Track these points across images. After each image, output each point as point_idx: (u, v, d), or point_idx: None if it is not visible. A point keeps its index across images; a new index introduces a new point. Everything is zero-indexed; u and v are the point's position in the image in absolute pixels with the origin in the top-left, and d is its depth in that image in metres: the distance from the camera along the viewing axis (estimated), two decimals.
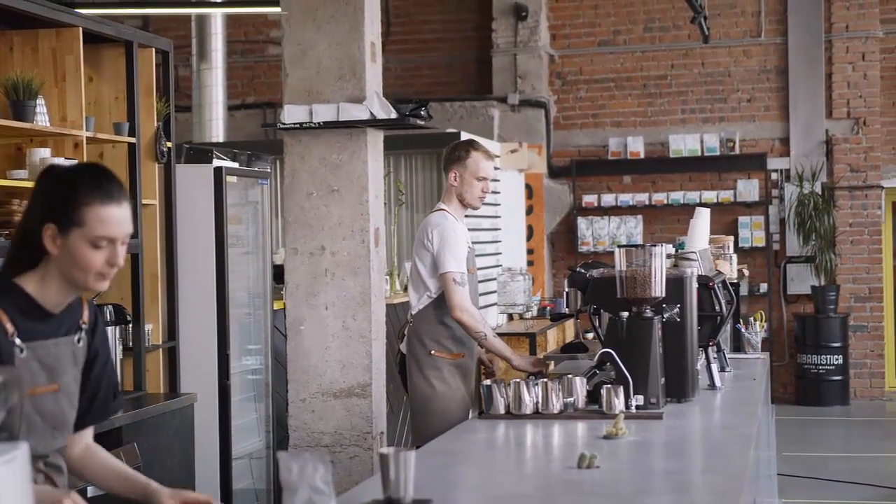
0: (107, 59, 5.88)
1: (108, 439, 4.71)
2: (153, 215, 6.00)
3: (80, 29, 5.45)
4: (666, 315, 4.32)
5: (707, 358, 4.87)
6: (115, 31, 5.76)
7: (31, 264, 2.66)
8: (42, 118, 5.26)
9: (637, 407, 4.07)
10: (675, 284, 4.37)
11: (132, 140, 5.77)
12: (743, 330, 6.26)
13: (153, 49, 6.09)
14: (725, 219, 12.17)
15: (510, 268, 10.24)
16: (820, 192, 12.01)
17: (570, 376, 4.14)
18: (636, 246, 4.29)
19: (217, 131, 10.89)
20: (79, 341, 2.76)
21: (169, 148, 6.09)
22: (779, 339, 12.27)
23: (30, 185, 5.20)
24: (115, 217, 2.62)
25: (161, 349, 6.03)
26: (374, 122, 5.14)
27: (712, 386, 4.79)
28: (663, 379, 4.21)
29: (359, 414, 5.21)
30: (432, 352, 5.16)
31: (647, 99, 12.68)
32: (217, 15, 10.96)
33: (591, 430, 3.81)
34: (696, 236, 5.57)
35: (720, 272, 5.54)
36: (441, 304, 5.17)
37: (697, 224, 5.63)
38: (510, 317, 10.04)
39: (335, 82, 5.18)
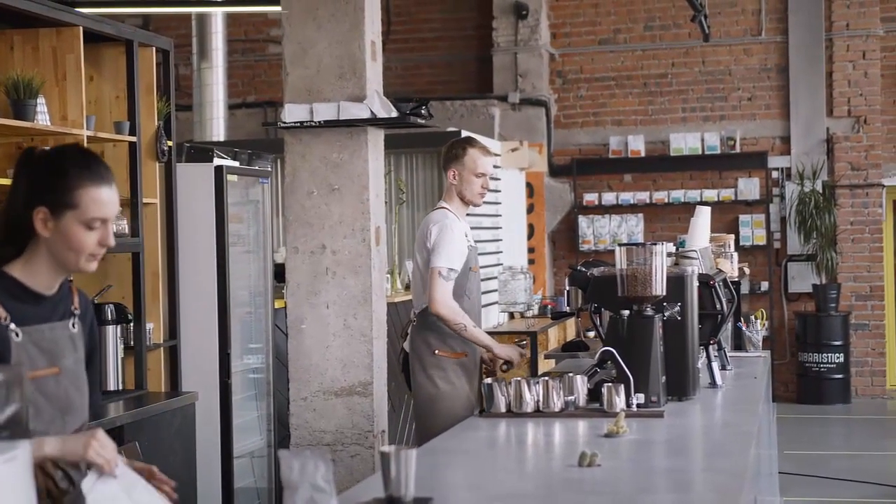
0: (107, 58, 5.88)
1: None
2: (154, 214, 6.00)
3: (81, 28, 5.46)
4: (667, 313, 4.32)
5: (708, 356, 4.87)
6: (115, 30, 5.76)
7: (16, 253, 2.68)
8: (43, 117, 5.26)
9: (638, 405, 4.07)
10: (676, 283, 4.37)
11: (133, 139, 5.77)
12: (744, 328, 6.26)
13: (154, 48, 6.09)
14: (726, 217, 12.16)
15: (511, 266, 10.24)
16: (821, 191, 12.00)
17: (570, 374, 4.14)
18: (637, 244, 4.29)
19: (218, 130, 10.90)
20: (74, 326, 2.77)
21: (170, 147, 6.09)
22: (780, 337, 12.27)
23: None
24: (106, 198, 2.67)
25: (162, 348, 6.03)
26: (374, 121, 5.14)
27: (713, 384, 4.79)
28: (664, 377, 4.21)
29: (360, 412, 5.21)
30: (436, 351, 5.17)
31: (647, 97, 12.68)
32: (217, 14, 10.97)
33: (592, 428, 3.81)
34: (696, 235, 5.57)
35: (721, 270, 5.54)
36: None
37: (698, 222, 5.63)
38: (511, 315, 10.04)
39: (336, 81, 5.18)
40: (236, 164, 6.73)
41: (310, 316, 5.22)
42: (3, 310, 2.60)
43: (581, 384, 4.12)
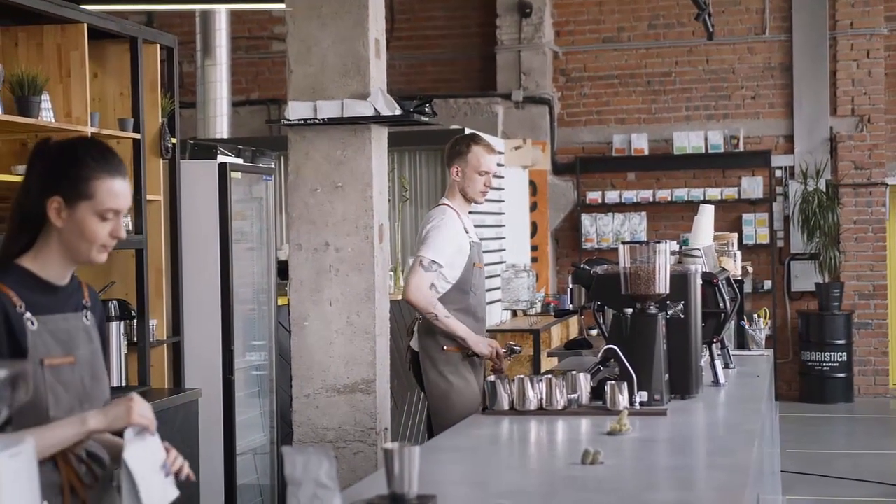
0: (111, 55, 5.88)
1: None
2: (158, 211, 6.00)
3: (85, 25, 5.46)
4: (670, 312, 4.32)
5: (711, 355, 4.87)
6: (119, 27, 5.76)
7: (26, 245, 2.69)
8: (47, 114, 5.27)
9: (641, 403, 4.07)
10: (680, 281, 4.37)
11: (137, 136, 5.78)
12: (747, 327, 6.26)
13: (158, 45, 6.10)
14: (729, 216, 12.16)
15: (514, 264, 10.23)
16: (824, 190, 12.00)
17: (574, 372, 4.15)
18: (640, 243, 4.29)
19: (221, 127, 10.90)
20: (87, 319, 2.78)
21: (174, 144, 6.10)
22: (783, 336, 12.26)
23: None
24: (120, 189, 2.69)
25: (165, 344, 6.04)
26: (378, 119, 5.14)
27: (716, 383, 4.80)
28: (667, 375, 4.21)
29: (363, 410, 5.21)
30: (444, 347, 5.19)
31: (651, 96, 12.68)
32: (221, 11, 10.97)
33: (595, 426, 3.81)
34: (700, 233, 5.58)
35: (724, 269, 5.54)
36: (448, 299, 5.18)
37: (702, 221, 5.63)
38: (514, 313, 10.04)
39: (340, 79, 5.18)
40: (240, 161, 6.73)
41: (313, 313, 5.22)
42: (18, 299, 2.62)
43: (584, 382, 4.12)
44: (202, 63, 11.00)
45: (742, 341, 6.34)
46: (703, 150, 12.36)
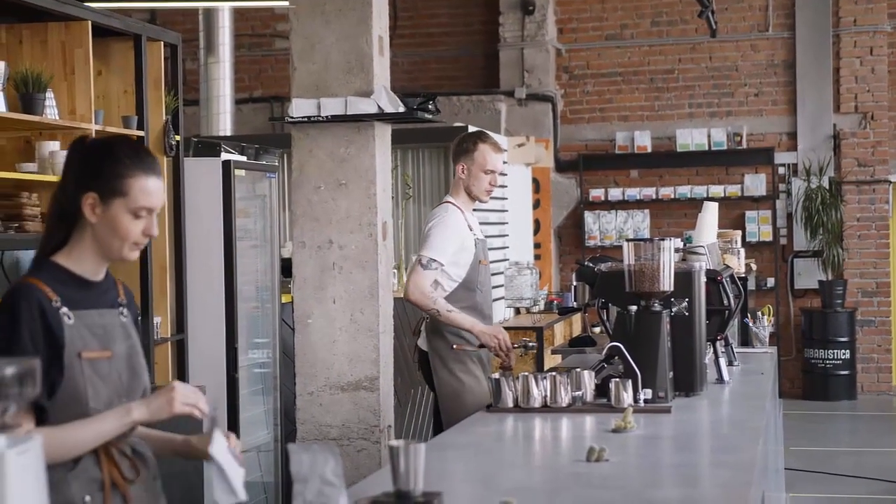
0: (115, 52, 5.89)
1: None
2: (162, 209, 6.00)
3: (89, 22, 5.47)
4: (674, 309, 4.31)
5: (715, 352, 4.86)
6: (123, 24, 5.77)
7: (61, 243, 2.73)
8: (51, 111, 5.27)
9: (645, 401, 4.07)
10: (684, 278, 4.37)
11: (141, 133, 5.78)
12: (751, 324, 6.26)
13: (161, 42, 6.10)
14: (732, 213, 12.16)
15: (517, 262, 10.23)
16: (827, 187, 11.99)
17: (578, 370, 4.14)
18: (645, 240, 4.28)
19: (224, 125, 10.89)
20: (123, 316, 2.81)
21: (177, 141, 6.10)
22: (786, 333, 12.25)
23: (39, 178, 5.23)
24: (154, 188, 2.74)
25: (169, 342, 6.04)
26: (382, 116, 5.13)
27: (720, 380, 4.79)
28: (672, 373, 4.21)
29: (366, 407, 5.21)
30: (454, 346, 5.18)
31: (654, 93, 12.67)
32: (224, 8, 10.96)
33: (600, 423, 3.81)
34: (704, 230, 5.57)
35: (728, 266, 5.54)
36: (455, 297, 5.17)
37: (706, 218, 5.63)
38: (517, 311, 10.04)
39: (343, 76, 5.17)
40: (243, 158, 6.74)
41: (316, 311, 5.22)
42: (53, 293, 2.64)
43: (588, 379, 4.12)
44: (205, 60, 11.00)
45: (746, 339, 6.34)
46: (707, 148, 12.35)
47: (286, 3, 5.41)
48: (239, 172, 6.40)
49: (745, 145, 12.33)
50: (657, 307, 4.22)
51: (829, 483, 8.28)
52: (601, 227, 12.53)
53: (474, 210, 5.44)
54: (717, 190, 12.21)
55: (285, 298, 6.79)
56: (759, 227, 12.26)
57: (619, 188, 12.55)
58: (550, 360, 8.24)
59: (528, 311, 10.05)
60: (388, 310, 5.32)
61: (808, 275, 12.21)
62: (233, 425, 6.31)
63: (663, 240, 4.25)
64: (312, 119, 5.15)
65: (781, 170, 12.37)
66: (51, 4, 5.22)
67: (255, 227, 6.81)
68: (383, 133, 5.30)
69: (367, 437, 5.20)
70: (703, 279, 4.54)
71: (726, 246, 6.44)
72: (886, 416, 11.40)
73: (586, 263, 4.79)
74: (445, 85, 12.82)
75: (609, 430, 3.67)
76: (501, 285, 9.87)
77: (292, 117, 5.18)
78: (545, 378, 4.08)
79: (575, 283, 5.18)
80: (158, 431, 2.90)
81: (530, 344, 5.36)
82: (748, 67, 12.48)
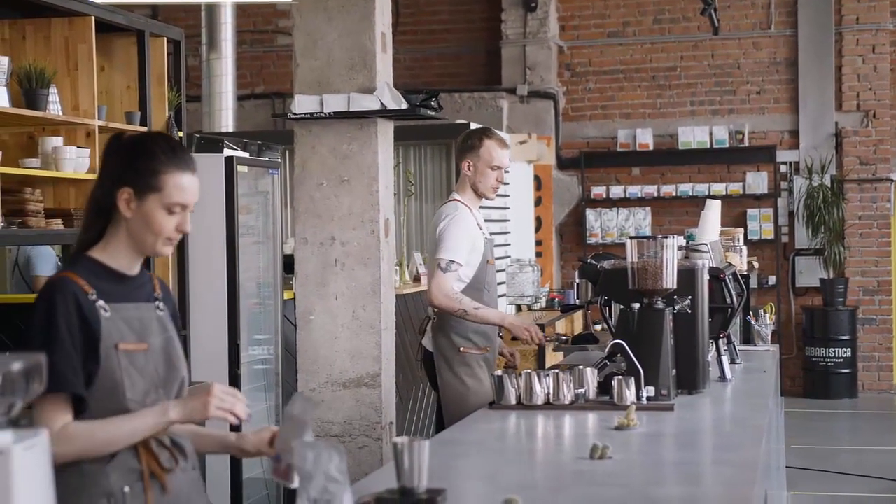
0: (119, 48, 5.88)
1: None
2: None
3: (93, 18, 5.46)
4: (677, 307, 4.32)
5: (717, 350, 4.87)
6: (127, 20, 5.76)
7: (96, 237, 2.77)
8: (54, 107, 5.27)
9: (648, 398, 4.07)
10: (687, 276, 4.37)
11: (144, 129, 5.78)
12: (753, 322, 6.26)
13: (165, 38, 6.09)
14: (734, 211, 12.15)
15: (519, 259, 10.24)
16: (829, 185, 11.99)
17: (581, 367, 4.14)
18: (648, 237, 4.28)
19: (227, 121, 10.90)
20: (159, 310, 2.84)
21: (180, 137, 6.10)
22: (787, 331, 12.26)
23: (42, 173, 5.23)
24: (189, 184, 2.78)
25: None
26: (384, 113, 5.13)
27: (723, 378, 4.79)
28: (674, 370, 4.21)
29: (368, 404, 5.21)
30: (461, 349, 5.13)
31: (656, 91, 12.67)
32: (227, 5, 10.96)
33: (602, 421, 3.81)
34: (707, 228, 5.57)
35: (731, 264, 5.54)
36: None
37: (708, 216, 5.63)
38: (518, 308, 10.05)
39: (346, 73, 5.17)
40: (246, 155, 6.73)
41: (318, 307, 5.22)
42: (89, 286, 2.68)
43: (591, 377, 4.12)
44: (207, 57, 11.00)
45: (748, 337, 6.34)
46: (708, 146, 12.35)
47: (289, 0, 5.41)
48: (241, 169, 6.40)
49: (746, 143, 12.33)
50: (660, 305, 4.22)
51: (829, 481, 8.28)
52: (603, 225, 12.53)
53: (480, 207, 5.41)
54: (719, 188, 12.21)
55: (287, 295, 6.79)
56: (760, 225, 12.25)
57: (620, 186, 12.55)
58: (551, 358, 8.24)
59: (529, 308, 10.05)
60: (390, 306, 5.32)
61: (810, 273, 12.21)
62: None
63: (667, 237, 4.25)
64: (315, 115, 5.14)
65: (783, 168, 12.36)
66: (54, 0, 5.22)
67: (257, 223, 6.81)
68: (386, 130, 5.29)
69: (369, 433, 5.20)
70: (706, 277, 4.54)
71: (728, 244, 6.44)
72: (887, 415, 11.40)
73: (589, 261, 4.79)
74: (447, 82, 12.81)
75: (612, 428, 3.67)
76: (503, 282, 9.87)
77: (295, 114, 5.17)
78: (548, 375, 4.08)
79: (578, 281, 5.17)
80: (199, 427, 2.93)
81: (563, 337, 5.30)
82: (750, 65, 12.48)
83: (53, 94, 5.27)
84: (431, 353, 5.26)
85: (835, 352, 11.83)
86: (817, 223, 11.88)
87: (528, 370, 4.15)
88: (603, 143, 12.73)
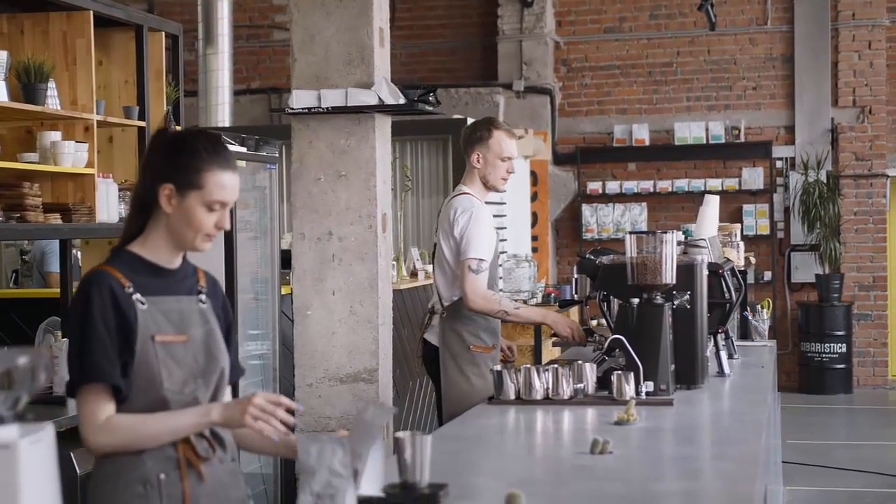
0: (117, 42, 5.88)
1: None
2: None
3: (91, 12, 5.45)
4: (676, 302, 4.32)
5: (716, 345, 4.87)
6: (125, 14, 5.76)
7: (137, 232, 2.82)
8: (53, 101, 5.26)
9: (647, 393, 4.08)
10: (686, 271, 4.37)
11: (142, 124, 5.77)
12: (750, 317, 6.27)
13: (163, 33, 6.09)
14: (730, 207, 12.16)
15: (515, 254, 10.24)
16: (825, 181, 12.01)
17: (580, 362, 4.15)
18: (647, 233, 4.28)
19: (223, 116, 10.88)
20: (202, 302, 2.88)
21: None
22: (782, 327, 12.28)
23: (40, 167, 5.22)
24: (229, 183, 2.80)
25: None
26: (382, 108, 5.12)
27: (721, 373, 4.80)
28: (673, 365, 4.22)
29: (365, 399, 5.20)
30: (471, 347, 5.05)
31: (652, 86, 12.67)
32: None
33: (601, 415, 3.82)
34: (705, 224, 5.58)
35: (729, 260, 5.54)
36: None
37: (707, 211, 5.63)
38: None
39: (343, 67, 5.16)
40: (243, 149, 6.72)
41: (316, 302, 5.21)
42: (126, 280, 2.73)
43: (590, 372, 4.13)
44: (204, 51, 10.98)
45: (745, 332, 6.35)
46: (704, 141, 12.36)
47: None
48: (239, 163, 6.39)
49: (742, 139, 12.34)
50: (659, 300, 4.23)
51: (825, 476, 8.30)
52: (598, 220, 12.54)
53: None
54: (715, 183, 12.22)
55: (285, 290, 6.78)
56: (756, 220, 12.26)
57: (616, 181, 12.56)
58: (549, 353, 8.25)
59: (525, 303, 10.05)
60: (387, 302, 5.32)
61: (805, 268, 12.22)
62: None
63: (666, 233, 4.25)
64: (313, 110, 5.14)
65: (779, 163, 12.37)
66: None
67: (254, 218, 6.80)
68: (383, 125, 5.29)
69: None
70: (705, 272, 4.55)
71: (726, 239, 6.45)
72: (882, 410, 11.43)
73: (588, 256, 4.79)
74: (443, 77, 12.80)
75: (611, 423, 3.67)
76: (501, 277, 9.88)
77: (292, 108, 5.17)
78: (547, 370, 4.09)
79: (576, 276, 5.17)
80: None
81: (598, 337, 5.24)
82: (746, 61, 12.49)
83: (52, 89, 5.26)
84: (435, 348, 5.20)
85: (830, 347, 11.85)
86: (813, 219, 11.90)
87: (527, 365, 4.16)
88: (599, 139, 12.74)
